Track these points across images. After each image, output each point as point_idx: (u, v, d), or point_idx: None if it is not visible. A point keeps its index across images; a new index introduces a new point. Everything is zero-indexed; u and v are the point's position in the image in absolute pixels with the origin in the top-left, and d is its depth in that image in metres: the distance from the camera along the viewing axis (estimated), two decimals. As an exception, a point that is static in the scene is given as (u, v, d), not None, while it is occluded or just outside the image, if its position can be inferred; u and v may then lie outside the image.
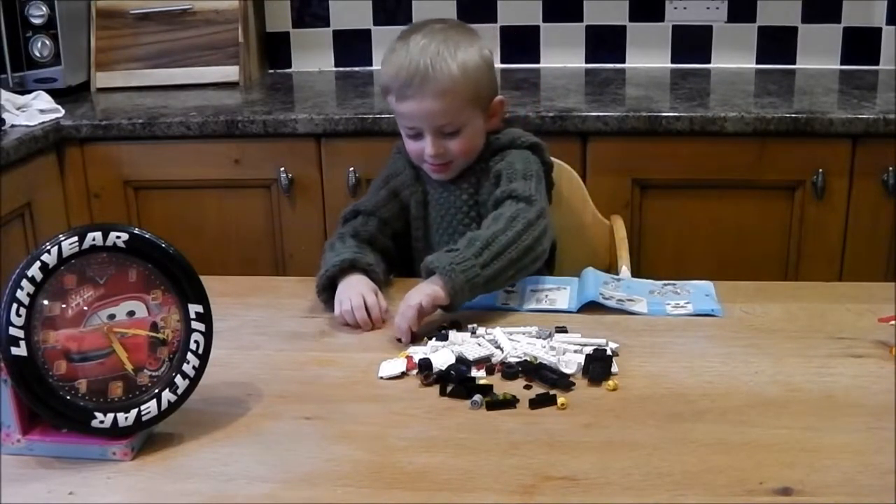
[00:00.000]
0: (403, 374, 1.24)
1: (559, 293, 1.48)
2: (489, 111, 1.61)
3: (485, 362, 1.26)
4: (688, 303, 1.43)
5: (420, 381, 1.22)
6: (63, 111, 2.28)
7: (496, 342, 1.30)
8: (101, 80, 2.60)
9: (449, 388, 1.19)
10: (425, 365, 1.24)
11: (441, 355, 1.26)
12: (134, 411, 1.07)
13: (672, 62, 2.70)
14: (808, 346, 1.30)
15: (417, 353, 1.28)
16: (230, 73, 2.60)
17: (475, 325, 1.36)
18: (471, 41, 1.57)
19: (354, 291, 1.42)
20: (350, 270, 1.46)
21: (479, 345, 1.30)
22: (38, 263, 1.04)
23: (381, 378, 1.24)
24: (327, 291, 1.46)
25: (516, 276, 1.44)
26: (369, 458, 1.06)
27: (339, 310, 1.40)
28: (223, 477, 1.04)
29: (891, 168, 2.08)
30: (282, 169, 2.23)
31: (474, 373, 1.24)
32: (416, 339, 1.33)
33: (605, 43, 2.70)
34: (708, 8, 2.65)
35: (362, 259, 1.49)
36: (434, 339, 1.33)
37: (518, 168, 1.57)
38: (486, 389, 1.18)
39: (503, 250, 1.39)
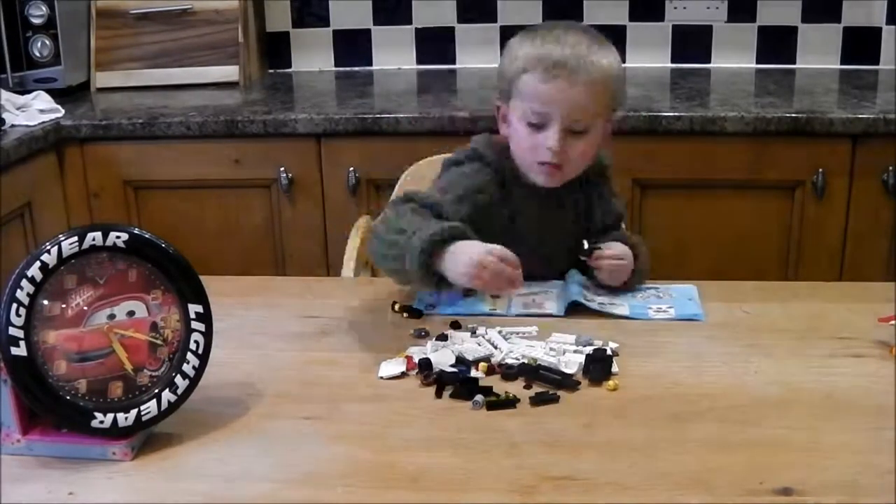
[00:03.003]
0: (403, 374, 1.24)
1: (545, 297, 1.47)
2: (610, 123, 1.54)
3: (485, 362, 1.26)
4: (670, 307, 1.43)
5: (420, 381, 1.22)
6: (63, 111, 2.28)
7: (495, 343, 1.30)
8: (101, 79, 2.60)
9: (449, 390, 1.19)
10: (425, 365, 1.24)
11: (441, 355, 1.26)
12: (134, 411, 1.07)
13: (672, 62, 2.70)
14: (808, 346, 1.30)
15: (417, 353, 1.28)
16: (230, 73, 2.60)
17: (475, 325, 1.36)
18: (613, 49, 1.49)
19: (478, 250, 1.25)
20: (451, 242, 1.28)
21: (479, 345, 1.30)
22: (38, 263, 1.04)
23: (381, 378, 1.24)
24: (426, 267, 1.27)
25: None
26: (369, 458, 1.06)
27: (473, 273, 1.23)
28: (223, 477, 1.04)
29: (891, 168, 2.08)
30: (282, 169, 2.23)
31: (474, 373, 1.23)
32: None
33: (605, 43, 2.70)
34: (708, 8, 2.65)
35: (461, 227, 1.31)
36: (434, 338, 1.33)
37: (624, 213, 1.65)
38: (487, 390, 1.18)
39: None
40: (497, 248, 1.26)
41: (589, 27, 1.52)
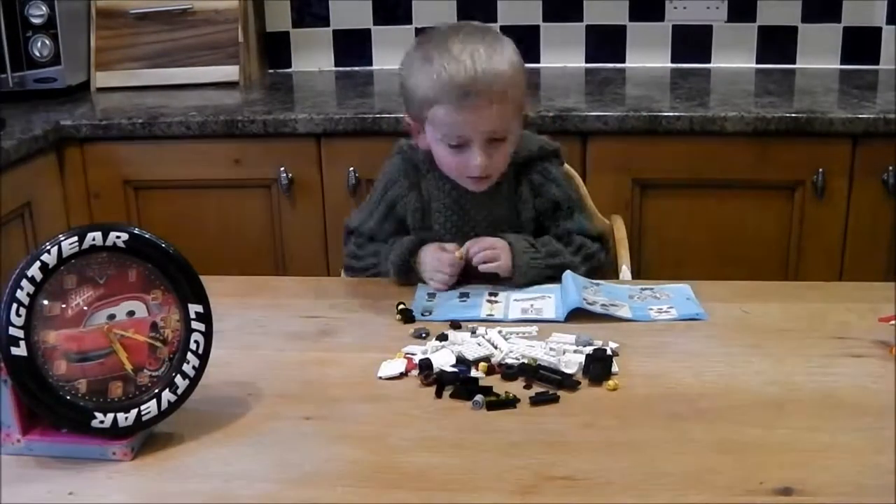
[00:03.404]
0: (403, 375, 1.24)
1: (544, 302, 1.46)
2: (522, 114, 1.56)
3: (485, 362, 1.26)
4: (671, 307, 1.42)
5: (420, 381, 1.22)
6: None
7: (495, 343, 1.30)
8: (101, 79, 2.60)
9: (449, 390, 1.19)
10: (425, 365, 1.23)
11: (441, 355, 1.26)
12: (134, 411, 1.07)
13: (672, 62, 2.70)
14: (808, 346, 1.30)
15: (417, 353, 1.28)
16: (230, 72, 2.60)
17: (475, 326, 1.36)
18: (504, 41, 1.48)
19: (431, 254, 1.53)
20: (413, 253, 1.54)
21: (479, 345, 1.30)
22: (38, 263, 1.04)
23: (381, 378, 1.24)
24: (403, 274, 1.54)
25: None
26: (369, 458, 1.06)
27: (436, 278, 1.51)
28: (223, 477, 1.04)
29: (891, 168, 2.08)
30: (282, 169, 2.23)
31: (474, 373, 1.23)
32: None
33: (605, 43, 2.70)
34: (708, 8, 2.65)
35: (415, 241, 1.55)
36: (434, 338, 1.33)
37: (573, 196, 1.61)
38: (487, 390, 1.18)
39: (561, 265, 1.53)
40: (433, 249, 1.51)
41: (475, 24, 1.51)
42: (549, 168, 1.60)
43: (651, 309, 1.42)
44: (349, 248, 1.65)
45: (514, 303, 1.46)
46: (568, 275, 1.50)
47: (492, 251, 1.51)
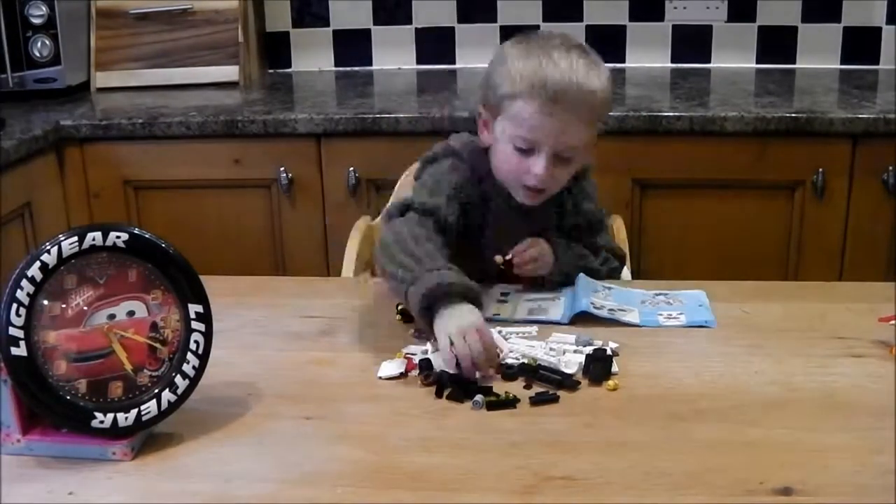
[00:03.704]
0: (403, 375, 1.24)
1: (552, 303, 1.45)
2: (593, 143, 1.49)
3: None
4: (680, 314, 1.41)
5: (420, 381, 1.22)
6: None
7: (495, 343, 1.30)
8: (101, 80, 2.60)
9: (447, 391, 1.18)
10: (425, 365, 1.23)
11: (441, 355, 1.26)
12: (134, 411, 1.07)
13: (672, 62, 2.70)
14: (808, 346, 1.30)
15: (417, 353, 1.28)
16: (230, 73, 2.60)
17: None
18: (601, 64, 1.44)
19: (470, 329, 1.23)
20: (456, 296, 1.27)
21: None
22: (38, 263, 1.04)
23: (381, 378, 1.24)
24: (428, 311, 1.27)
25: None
26: (369, 458, 1.06)
27: (451, 350, 1.22)
28: (223, 477, 1.04)
29: (891, 168, 2.08)
30: (282, 169, 2.23)
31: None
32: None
33: (605, 43, 2.70)
34: (708, 8, 2.65)
35: (470, 284, 1.29)
36: (434, 339, 1.32)
37: (602, 214, 1.62)
38: (487, 390, 1.18)
39: (587, 269, 1.52)
40: (478, 335, 1.22)
41: (582, 44, 1.46)
42: (586, 186, 1.59)
43: (661, 315, 1.41)
44: (410, 225, 1.40)
45: (523, 303, 1.46)
46: (581, 277, 1.49)
47: (538, 250, 1.48)
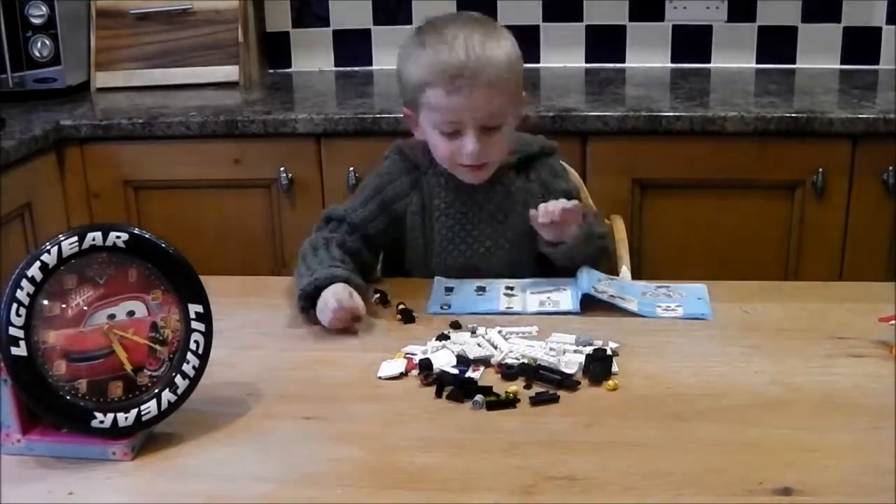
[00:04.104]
0: (403, 375, 1.24)
1: (561, 294, 1.47)
2: (521, 104, 1.56)
3: (484, 363, 1.26)
4: (679, 306, 1.43)
5: (420, 381, 1.22)
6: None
7: (495, 343, 1.30)
8: (101, 80, 2.60)
9: (446, 391, 1.18)
10: (425, 365, 1.23)
11: (441, 356, 1.26)
12: (134, 411, 1.07)
13: (672, 62, 2.70)
14: (808, 346, 1.30)
15: (417, 353, 1.28)
16: (230, 73, 2.60)
17: (475, 325, 1.36)
18: (502, 32, 1.50)
19: (331, 298, 1.36)
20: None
21: (479, 345, 1.30)
22: (38, 263, 1.04)
23: (381, 378, 1.24)
24: (309, 300, 1.39)
25: (584, 258, 1.53)
26: (369, 458, 1.06)
27: (326, 319, 1.36)
28: (223, 477, 1.04)
29: (891, 168, 2.08)
30: (282, 169, 2.23)
31: (474, 374, 1.23)
32: None
33: (605, 43, 2.70)
34: (708, 8, 2.65)
35: (352, 276, 1.42)
36: (434, 339, 1.32)
37: (580, 191, 1.64)
38: (486, 389, 1.18)
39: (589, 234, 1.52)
40: (337, 300, 1.35)
41: (475, 15, 1.53)
42: (554, 164, 1.62)
43: (659, 306, 1.43)
44: (322, 232, 1.54)
45: (531, 296, 1.47)
46: (584, 269, 1.50)
47: (573, 211, 1.46)
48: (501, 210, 1.58)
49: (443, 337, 1.33)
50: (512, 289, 1.50)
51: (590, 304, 1.42)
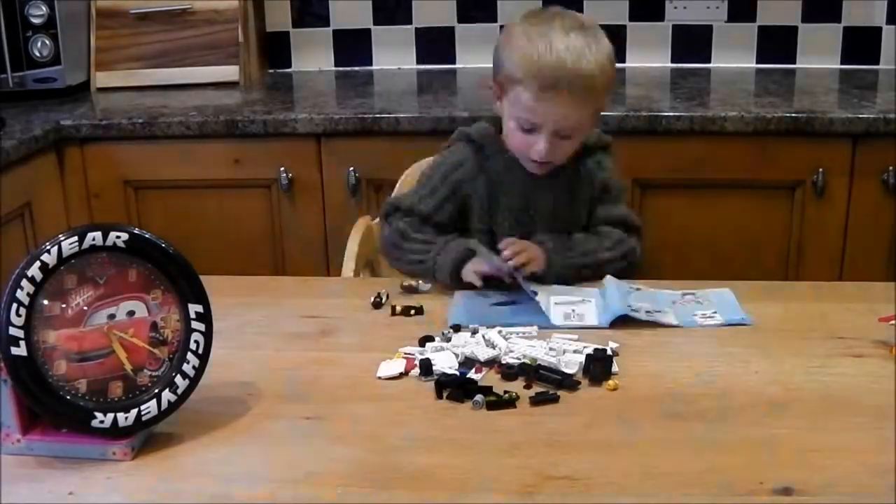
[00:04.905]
0: (402, 375, 1.24)
1: (585, 307, 1.43)
2: (599, 114, 1.60)
3: (489, 364, 1.26)
4: (715, 312, 1.40)
5: (421, 381, 1.22)
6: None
7: (495, 343, 1.30)
8: (101, 79, 2.60)
9: (446, 392, 1.18)
10: (426, 366, 1.23)
11: (442, 357, 1.26)
12: (134, 411, 1.07)
13: (672, 62, 2.70)
14: (808, 346, 1.30)
15: (415, 354, 1.28)
16: (230, 72, 2.60)
17: (476, 326, 1.36)
18: (601, 40, 1.51)
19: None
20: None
21: (479, 345, 1.30)
22: (38, 263, 1.04)
23: (381, 378, 1.24)
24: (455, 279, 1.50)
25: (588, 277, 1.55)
26: (369, 458, 1.06)
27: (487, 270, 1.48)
28: (223, 477, 1.04)
29: (891, 168, 2.08)
30: (282, 169, 2.23)
31: (474, 375, 1.23)
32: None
33: (605, 43, 2.70)
34: (708, 8, 2.65)
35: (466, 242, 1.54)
36: (435, 339, 1.32)
37: (620, 186, 1.67)
38: (487, 390, 1.18)
39: (593, 265, 1.55)
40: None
41: (584, 21, 1.53)
42: (603, 159, 1.65)
43: (696, 315, 1.40)
44: (397, 224, 1.59)
45: (555, 308, 1.43)
46: (611, 281, 1.49)
47: (527, 254, 1.49)
48: (557, 198, 1.61)
49: (445, 339, 1.32)
50: (535, 294, 1.45)
51: (624, 318, 1.38)
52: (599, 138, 1.64)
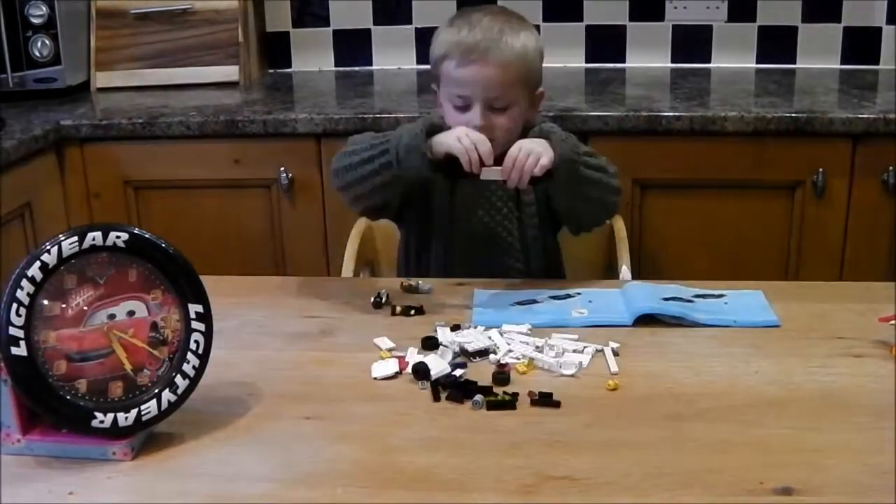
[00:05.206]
0: (397, 374, 1.24)
1: (608, 305, 1.42)
2: (533, 99, 1.64)
3: (481, 354, 1.26)
4: (744, 312, 1.39)
5: (418, 385, 1.22)
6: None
7: (495, 342, 1.30)
8: (101, 79, 2.60)
9: (445, 393, 1.18)
10: (422, 370, 1.21)
11: (434, 360, 1.24)
12: (134, 411, 1.07)
13: (672, 62, 2.70)
14: (808, 346, 1.30)
15: (398, 349, 1.28)
16: (230, 72, 2.60)
17: (475, 323, 1.36)
18: (529, 29, 1.63)
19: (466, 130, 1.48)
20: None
21: (479, 337, 1.29)
22: (38, 263, 1.04)
23: (375, 378, 1.24)
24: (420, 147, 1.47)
25: (591, 194, 1.55)
26: (369, 458, 1.06)
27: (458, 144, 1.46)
28: (223, 477, 1.04)
29: (891, 168, 2.08)
30: (282, 169, 2.23)
31: (472, 371, 1.23)
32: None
33: (605, 43, 2.70)
34: (708, 8, 2.65)
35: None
36: (438, 334, 1.32)
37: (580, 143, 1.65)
38: (487, 390, 1.18)
39: (597, 167, 1.55)
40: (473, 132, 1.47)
41: (507, 10, 1.66)
42: (549, 129, 1.61)
43: (723, 314, 1.39)
44: (343, 150, 1.59)
45: (575, 306, 1.42)
46: (643, 284, 1.48)
47: (526, 145, 1.47)
48: (510, 195, 1.65)
49: (433, 344, 1.30)
50: (559, 299, 1.45)
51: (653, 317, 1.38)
52: (551, 129, 1.60)
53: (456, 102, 1.58)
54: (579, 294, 1.47)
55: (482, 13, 1.59)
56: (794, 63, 2.66)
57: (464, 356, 1.27)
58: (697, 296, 1.44)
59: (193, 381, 1.11)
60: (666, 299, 1.41)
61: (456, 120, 1.58)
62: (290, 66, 2.82)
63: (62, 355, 1.05)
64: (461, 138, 1.46)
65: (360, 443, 1.09)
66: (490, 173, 1.47)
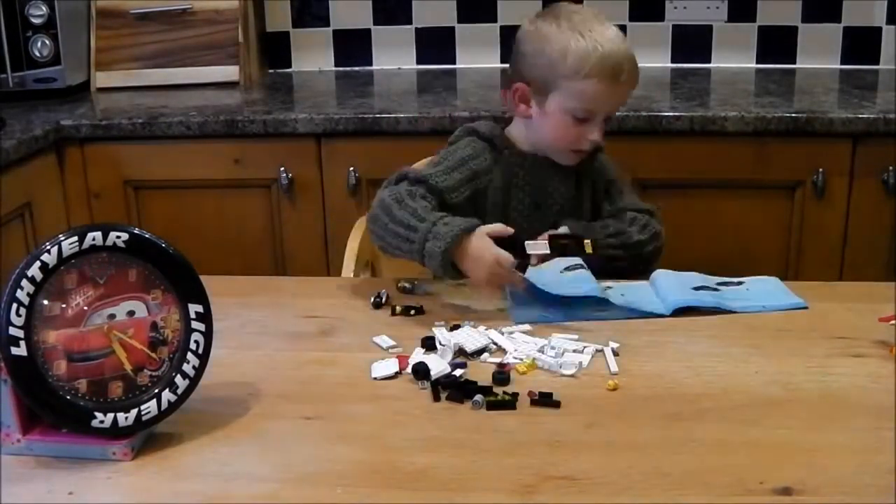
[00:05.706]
0: (397, 374, 1.24)
1: (642, 294, 1.45)
2: None
3: (479, 353, 1.27)
4: (772, 298, 1.43)
5: (418, 385, 1.22)
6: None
7: (495, 342, 1.30)
8: (101, 79, 2.60)
9: (446, 393, 1.18)
10: (422, 370, 1.22)
11: (434, 360, 1.24)
12: (134, 411, 1.07)
13: (672, 62, 2.70)
14: (808, 346, 1.30)
15: (408, 354, 1.28)
16: (230, 72, 2.60)
17: (476, 323, 1.36)
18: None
19: (490, 255, 1.38)
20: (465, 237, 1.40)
21: (477, 337, 1.29)
22: (38, 263, 1.04)
23: (375, 378, 1.24)
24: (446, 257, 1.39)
25: (633, 260, 1.58)
26: (369, 458, 1.06)
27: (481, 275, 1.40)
28: (223, 477, 1.04)
29: (891, 168, 2.08)
30: (282, 169, 2.23)
31: (472, 371, 1.23)
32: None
33: (606, 43, 2.70)
34: (708, 8, 2.65)
35: (472, 222, 1.42)
36: (436, 334, 1.32)
37: (624, 178, 1.72)
38: (487, 389, 1.18)
39: (629, 245, 1.58)
40: (502, 256, 1.38)
41: (594, 10, 1.60)
42: (599, 154, 1.68)
43: (751, 301, 1.43)
44: (399, 189, 1.49)
45: (613, 295, 1.44)
46: (669, 273, 1.50)
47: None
48: (567, 190, 1.64)
49: (431, 344, 1.30)
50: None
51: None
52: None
53: (579, 115, 1.54)
54: (611, 288, 1.48)
55: (593, 17, 1.54)
56: (794, 63, 2.66)
57: (462, 356, 1.27)
58: (720, 283, 1.48)
59: (193, 381, 1.11)
60: (695, 289, 1.44)
61: (568, 130, 1.55)
62: (290, 66, 2.82)
63: (62, 355, 1.05)
64: (489, 281, 1.40)
65: (359, 443, 1.09)
66: (536, 247, 1.42)
